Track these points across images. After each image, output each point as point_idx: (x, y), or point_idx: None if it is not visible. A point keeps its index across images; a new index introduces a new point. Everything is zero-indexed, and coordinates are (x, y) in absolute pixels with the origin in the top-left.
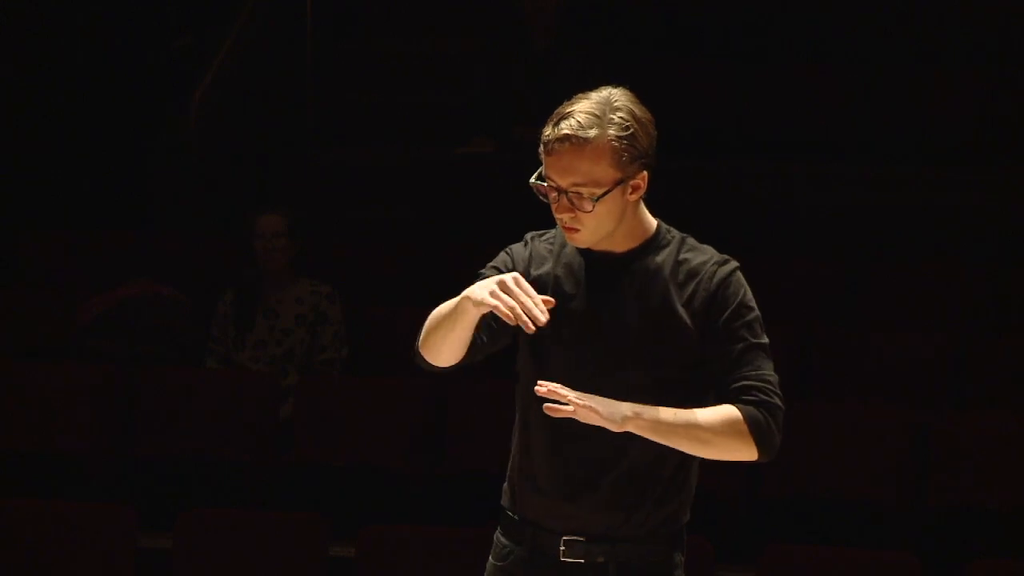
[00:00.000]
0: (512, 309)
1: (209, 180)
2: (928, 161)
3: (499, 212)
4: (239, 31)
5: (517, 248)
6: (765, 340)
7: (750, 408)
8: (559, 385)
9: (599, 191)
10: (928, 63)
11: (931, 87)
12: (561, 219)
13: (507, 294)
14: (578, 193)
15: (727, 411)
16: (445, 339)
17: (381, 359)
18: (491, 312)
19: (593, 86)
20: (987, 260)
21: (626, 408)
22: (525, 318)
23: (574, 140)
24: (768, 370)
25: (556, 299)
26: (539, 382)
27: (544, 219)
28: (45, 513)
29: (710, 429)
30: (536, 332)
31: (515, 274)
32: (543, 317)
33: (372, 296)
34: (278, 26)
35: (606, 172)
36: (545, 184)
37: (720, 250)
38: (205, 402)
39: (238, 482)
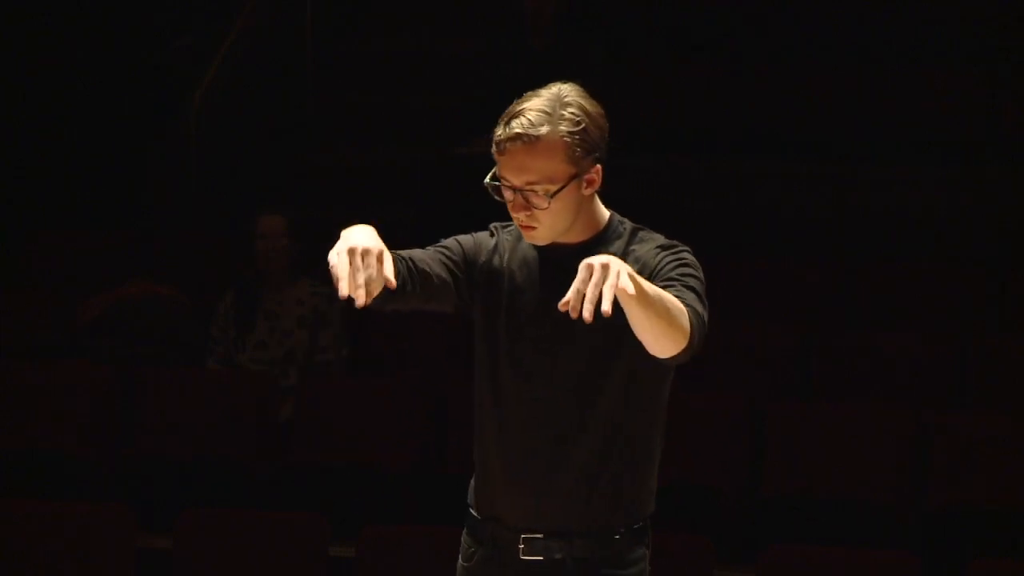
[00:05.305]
0: (341, 275)
1: (209, 180)
2: (928, 161)
3: (498, 212)
4: (239, 31)
5: (481, 235)
6: (703, 295)
7: (688, 307)
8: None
9: (554, 187)
10: (928, 63)
11: (931, 87)
12: (517, 218)
13: (350, 260)
14: (533, 191)
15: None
16: None
17: (381, 359)
18: (439, 268)
19: (593, 86)
20: (987, 260)
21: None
22: (344, 288)
23: (526, 138)
24: (700, 308)
25: (509, 292)
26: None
27: None
28: (45, 513)
29: (672, 306)
30: (493, 326)
31: (380, 248)
32: (360, 301)
33: None
34: (278, 26)
35: (559, 168)
36: (499, 184)
37: (722, 250)
38: (205, 402)
39: (238, 482)
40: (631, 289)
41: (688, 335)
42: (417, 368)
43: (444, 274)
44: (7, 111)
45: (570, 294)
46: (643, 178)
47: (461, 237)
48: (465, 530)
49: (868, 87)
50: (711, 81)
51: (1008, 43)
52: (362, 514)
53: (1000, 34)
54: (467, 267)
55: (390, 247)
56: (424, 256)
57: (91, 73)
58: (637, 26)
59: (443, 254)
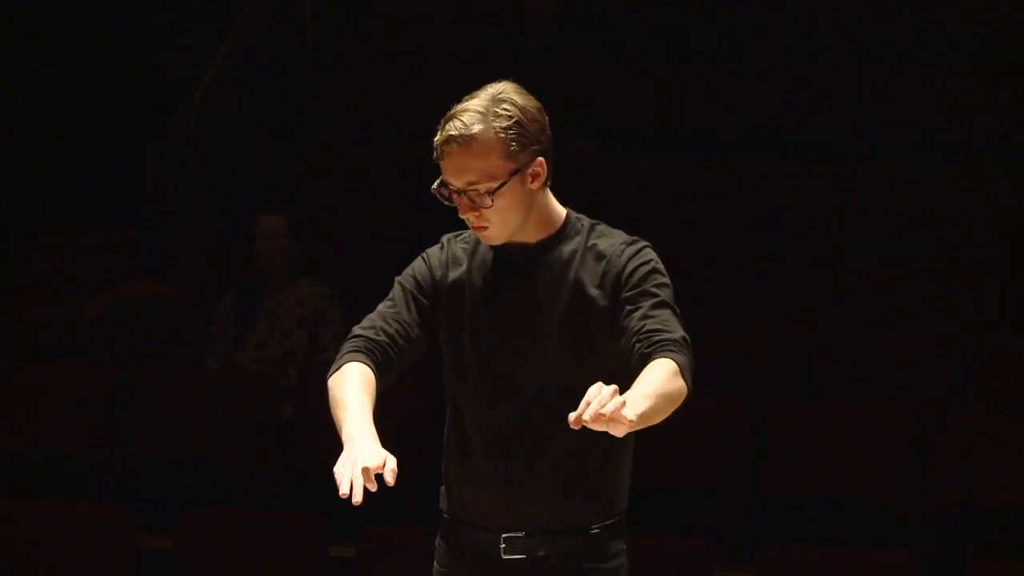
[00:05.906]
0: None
1: (209, 180)
2: (928, 161)
3: None
4: (239, 31)
5: (433, 252)
6: (674, 305)
7: (675, 356)
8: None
9: (495, 184)
10: (928, 63)
11: (931, 87)
12: (467, 219)
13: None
14: (475, 190)
15: (665, 365)
16: None
17: None
18: (412, 328)
19: (593, 86)
20: (987, 260)
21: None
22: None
23: (460, 139)
24: (679, 329)
25: (472, 297)
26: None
27: None
28: (45, 513)
29: (673, 388)
30: (459, 331)
31: (383, 458)
32: (356, 499)
33: (372, 296)
34: (278, 26)
35: (497, 165)
36: (445, 189)
37: (722, 249)
38: (205, 402)
39: (238, 482)
40: (632, 415)
41: (687, 392)
42: (417, 368)
43: (417, 329)
44: (7, 111)
45: (580, 408)
46: (643, 178)
47: (414, 268)
48: (439, 535)
49: (868, 87)
50: (711, 81)
51: (1008, 43)
52: (362, 514)
53: (1000, 34)
54: (430, 295)
55: (389, 247)
56: (397, 325)
57: (91, 73)
58: (637, 26)
59: (408, 300)
